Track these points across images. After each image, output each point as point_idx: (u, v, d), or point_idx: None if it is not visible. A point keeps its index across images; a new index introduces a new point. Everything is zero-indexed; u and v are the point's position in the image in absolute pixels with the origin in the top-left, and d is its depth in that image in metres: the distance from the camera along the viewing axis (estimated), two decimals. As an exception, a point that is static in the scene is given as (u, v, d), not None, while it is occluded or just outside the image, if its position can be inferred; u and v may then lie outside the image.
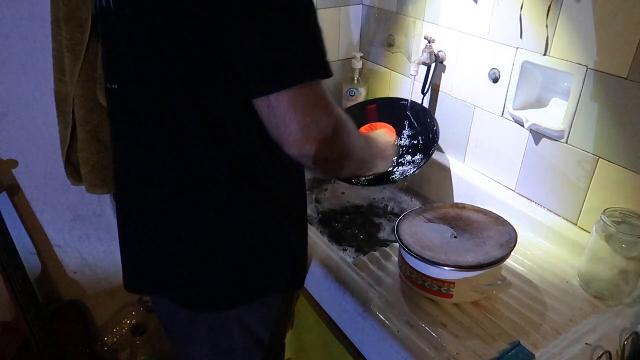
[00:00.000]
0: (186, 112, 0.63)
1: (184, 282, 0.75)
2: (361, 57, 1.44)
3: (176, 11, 0.57)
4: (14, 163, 1.26)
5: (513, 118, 1.06)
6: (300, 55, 0.57)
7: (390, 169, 1.06)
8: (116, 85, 0.69)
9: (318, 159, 0.61)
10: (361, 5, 1.44)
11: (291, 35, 0.56)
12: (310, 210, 1.23)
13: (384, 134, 1.08)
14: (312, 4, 0.58)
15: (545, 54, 0.96)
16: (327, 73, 0.59)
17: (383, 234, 1.16)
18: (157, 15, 0.58)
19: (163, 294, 0.79)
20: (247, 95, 0.59)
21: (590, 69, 0.89)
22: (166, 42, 0.59)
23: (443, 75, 1.22)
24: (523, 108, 1.05)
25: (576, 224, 0.98)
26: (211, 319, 0.77)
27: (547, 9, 0.92)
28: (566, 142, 0.96)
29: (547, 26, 0.93)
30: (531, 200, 1.07)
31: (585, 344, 0.75)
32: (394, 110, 1.19)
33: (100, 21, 0.69)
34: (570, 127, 0.94)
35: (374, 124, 1.13)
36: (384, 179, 1.08)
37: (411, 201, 1.29)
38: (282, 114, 0.57)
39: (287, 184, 0.75)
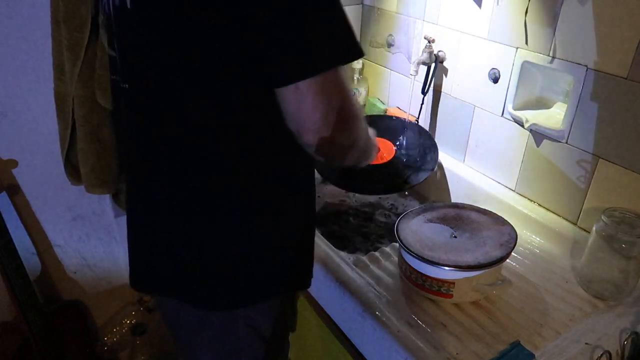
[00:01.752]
0: (198, 114, 0.63)
1: (194, 281, 0.75)
2: (361, 57, 1.44)
3: (196, 10, 0.56)
4: (14, 163, 1.25)
5: (513, 118, 1.06)
6: (329, 40, 0.56)
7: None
8: (127, 85, 0.69)
9: (331, 146, 0.62)
10: (361, 5, 1.44)
11: (317, 20, 0.55)
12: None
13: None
14: None
15: (554, 59, 0.96)
16: (357, 53, 0.58)
17: (383, 234, 1.16)
18: (177, 14, 0.58)
19: (171, 294, 0.79)
20: (270, 86, 0.59)
21: (590, 69, 0.89)
22: (184, 43, 0.59)
23: (443, 75, 1.22)
24: (523, 108, 1.05)
25: (576, 224, 0.98)
26: (220, 318, 0.77)
27: (552, 13, 0.92)
28: (566, 142, 0.96)
29: (554, 31, 0.93)
30: (531, 200, 1.07)
31: (585, 344, 0.75)
32: (390, 129, 1.20)
33: (114, 22, 0.69)
34: (570, 127, 0.94)
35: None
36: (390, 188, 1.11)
37: (411, 201, 1.29)
38: (311, 101, 0.57)
39: (298, 187, 0.75)
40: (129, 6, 0.63)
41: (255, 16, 0.55)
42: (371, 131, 0.83)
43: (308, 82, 0.56)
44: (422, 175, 1.08)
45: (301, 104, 0.58)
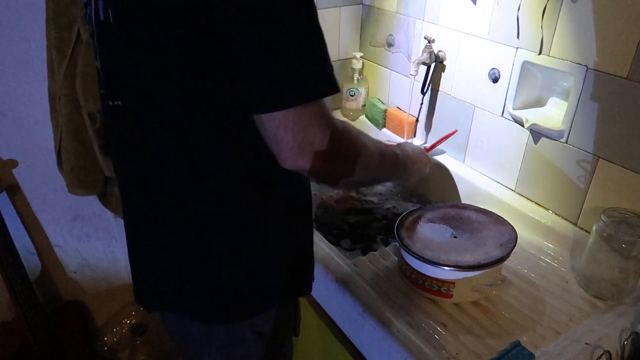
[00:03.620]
0: (195, 124, 0.63)
1: (197, 296, 0.74)
2: (361, 57, 1.44)
3: (181, 24, 0.56)
4: (14, 163, 1.25)
5: (513, 118, 1.06)
6: (296, 77, 0.55)
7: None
8: (119, 103, 0.68)
9: (315, 174, 0.62)
10: (361, 5, 1.44)
11: (288, 54, 0.54)
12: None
13: (412, 147, 0.96)
14: (315, 17, 0.56)
15: (541, 54, 0.96)
16: (328, 90, 0.57)
17: (383, 234, 1.16)
18: (162, 29, 0.57)
19: (175, 309, 0.78)
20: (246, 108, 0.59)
21: (590, 69, 0.89)
22: (172, 56, 0.59)
23: (443, 75, 1.22)
24: (523, 108, 1.05)
25: (576, 224, 0.98)
26: (226, 330, 0.77)
27: (542, 9, 0.92)
28: (566, 142, 0.96)
29: (542, 27, 0.93)
30: (531, 200, 1.07)
31: (585, 344, 0.75)
32: None
33: (98, 36, 0.67)
34: (570, 127, 0.94)
35: None
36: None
37: (411, 201, 1.29)
38: (274, 132, 0.57)
39: (295, 194, 0.75)
40: (111, 21, 0.62)
41: (230, 42, 0.54)
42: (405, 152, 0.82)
43: (269, 116, 0.55)
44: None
45: (266, 132, 0.58)
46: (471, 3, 1.08)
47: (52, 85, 1.10)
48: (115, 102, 0.69)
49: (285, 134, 0.56)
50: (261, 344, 0.80)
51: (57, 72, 1.06)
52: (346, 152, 0.64)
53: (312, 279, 0.85)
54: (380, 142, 0.75)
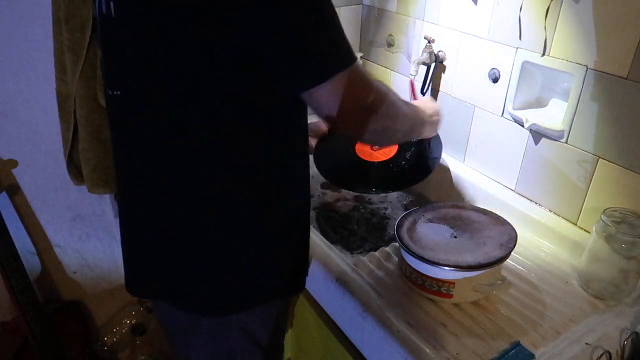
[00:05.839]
0: (192, 119, 0.63)
1: (185, 287, 0.75)
2: (361, 57, 1.44)
3: (188, 17, 0.56)
4: (14, 163, 1.26)
5: (513, 118, 1.06)
6: (334, 47, 0.60)
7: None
8: (118, 92, 0.69)
9: (364, 132, 0.69)
10: (361, 5, 1.44)
11: (322, 29, 0.59)
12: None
13: (427, 100, 1.05)
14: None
15: (544, 54, 0.96)
16: (355, 57, 0.63)
17: (383, 234, 1.16)
18: (165, 22, 0.58)
19: (164, 298, 0.79)
20: (285, 90, 0.63)
21: (590, 69, 0.89)
22: (172, 50, 0.59)
23: (443, 75, 1.22)
24: (523, 108, 1.05)
25: (576, 224, 0.98)
26: (212, 323, 0.77)
27: (545, 9, 0.92)
28: (566, 142, 0.96)
29: (545, 28, 0.93)
30: (531, 200, 1.07)
31: (585, 344, 0.75)
32: None
33: (101, 28, 0.68)
34: (570, 127, 0.94)
35: None
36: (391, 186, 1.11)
37: (411, 201, 1.29)
38: (324, 102, 0.63)
39: (292, 192, 0.75)
40: (113, 14, 0.63)
41: (261, 26, 0.56)
42: (425, 104, 0.86)
43: (318, 88, 0.61)
44: (434, 163, 1.07)
45: (317, 104, 0.64)
46: (472, 3, 1.08)
47: (62, 87, 1.10)
48: (115, 92, 0.69)
49: (335, 100, 0.62)
50: (249, 342, 0.80)
51: (71, 73, 1.06)
52: (389, 107, 0.71)
53: (303, 281, 0.85)
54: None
